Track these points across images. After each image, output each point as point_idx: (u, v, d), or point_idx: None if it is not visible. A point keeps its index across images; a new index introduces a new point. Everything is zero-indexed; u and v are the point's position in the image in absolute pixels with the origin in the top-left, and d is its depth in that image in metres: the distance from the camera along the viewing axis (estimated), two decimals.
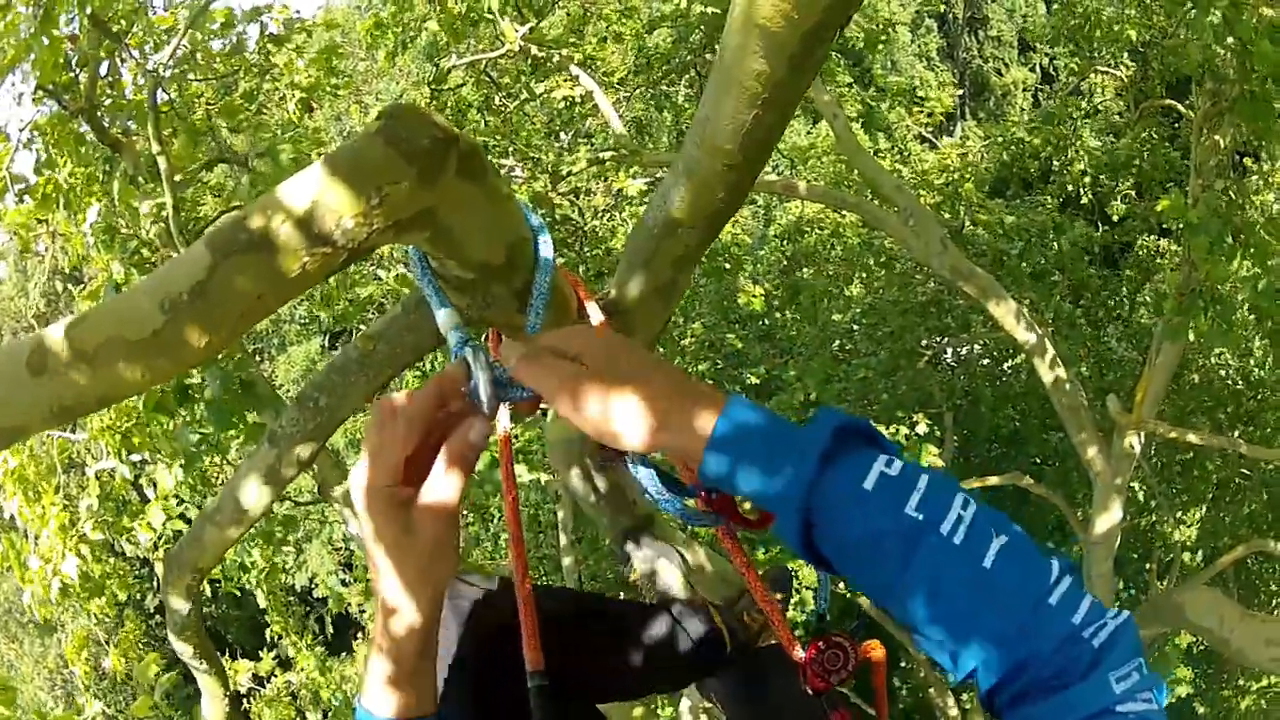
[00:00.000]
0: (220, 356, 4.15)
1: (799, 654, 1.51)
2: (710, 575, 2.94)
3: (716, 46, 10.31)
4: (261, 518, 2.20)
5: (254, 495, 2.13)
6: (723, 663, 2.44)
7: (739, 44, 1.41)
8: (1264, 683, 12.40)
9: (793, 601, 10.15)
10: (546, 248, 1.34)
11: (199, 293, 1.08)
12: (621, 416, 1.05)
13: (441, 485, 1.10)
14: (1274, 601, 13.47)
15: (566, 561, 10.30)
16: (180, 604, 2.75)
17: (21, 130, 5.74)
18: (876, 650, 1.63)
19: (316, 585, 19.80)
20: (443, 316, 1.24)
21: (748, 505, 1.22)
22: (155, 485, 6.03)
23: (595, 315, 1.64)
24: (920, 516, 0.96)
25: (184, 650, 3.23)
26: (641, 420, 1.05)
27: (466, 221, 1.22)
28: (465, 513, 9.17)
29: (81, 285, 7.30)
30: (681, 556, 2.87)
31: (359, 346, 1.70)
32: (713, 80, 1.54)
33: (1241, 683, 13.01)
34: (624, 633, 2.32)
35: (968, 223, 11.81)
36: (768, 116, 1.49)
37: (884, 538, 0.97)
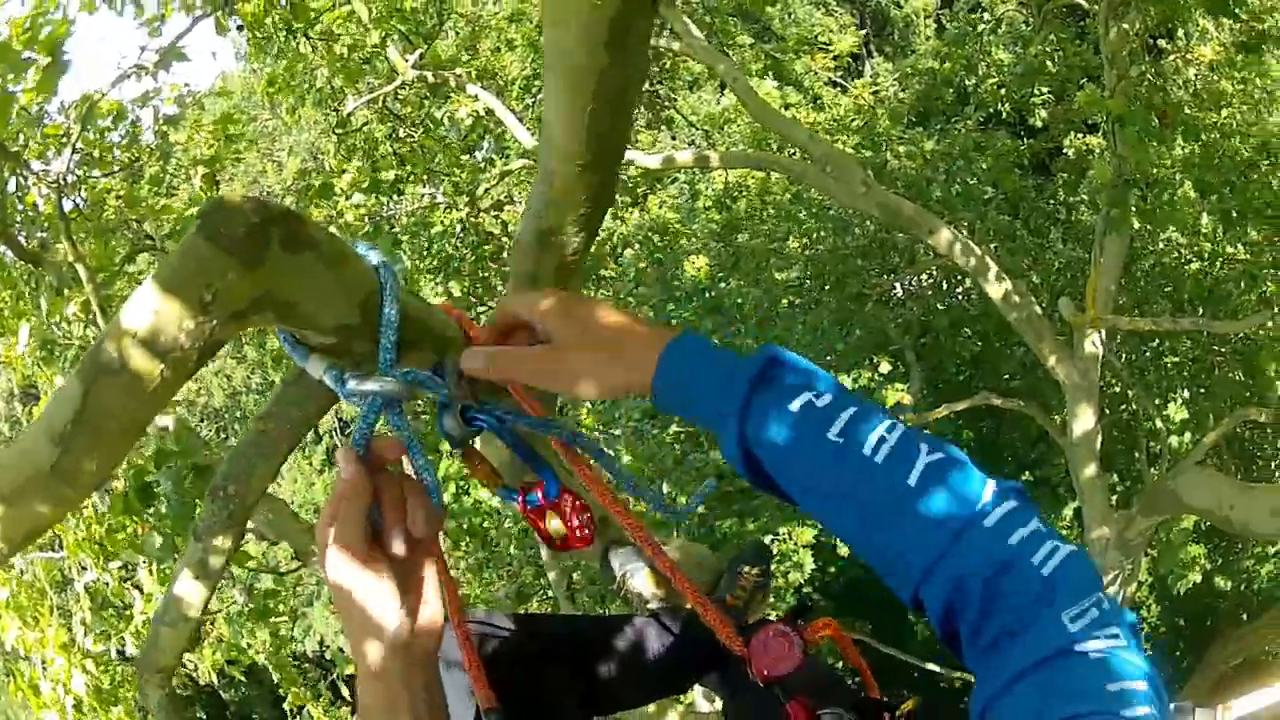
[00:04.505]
0: (168, 452, 4.13)
1: (739, 648, 1.49)
2: (686, 565, 2.94)
3: None
4: (203, 612, 2.20)
5: (190, 592, 2.13)
6: (720, 657, 2.45)
7: (555, 39, 1.38)
8: None
9: (783, 570, 10.18)
10: (391, 305, 1.28)
11: (79, 421, 1.13)
12: (585, 381, 1.15)
13: (415, 575, 1.14)
14: (1273, 466, 13.39)
15: (552, 575, 10.25)
16: (154, 698, 2.73)
17: None
18: (827, 629, 1.60)
19: (327, 649, 19.72)
20: (310, 366, 1.28)
21: (555, 525, 1.30)
22: (141, 589, 5.97)
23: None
24: (841, 440, 0.99)
25: None
26: (602, 378, 1.15)
27: (308, 292, 1.22)
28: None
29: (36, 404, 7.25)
30: (647, 561, 2.87)
31: (253, 429, 1.70)
32: (545, 84, 1.51)
33: (1258, 549, 12.93)
34: (618, 647, 2.37)
35: (889, 158, 11.79)
36: (603, 109, 1.45)
37: (807, 461, 1.00)
